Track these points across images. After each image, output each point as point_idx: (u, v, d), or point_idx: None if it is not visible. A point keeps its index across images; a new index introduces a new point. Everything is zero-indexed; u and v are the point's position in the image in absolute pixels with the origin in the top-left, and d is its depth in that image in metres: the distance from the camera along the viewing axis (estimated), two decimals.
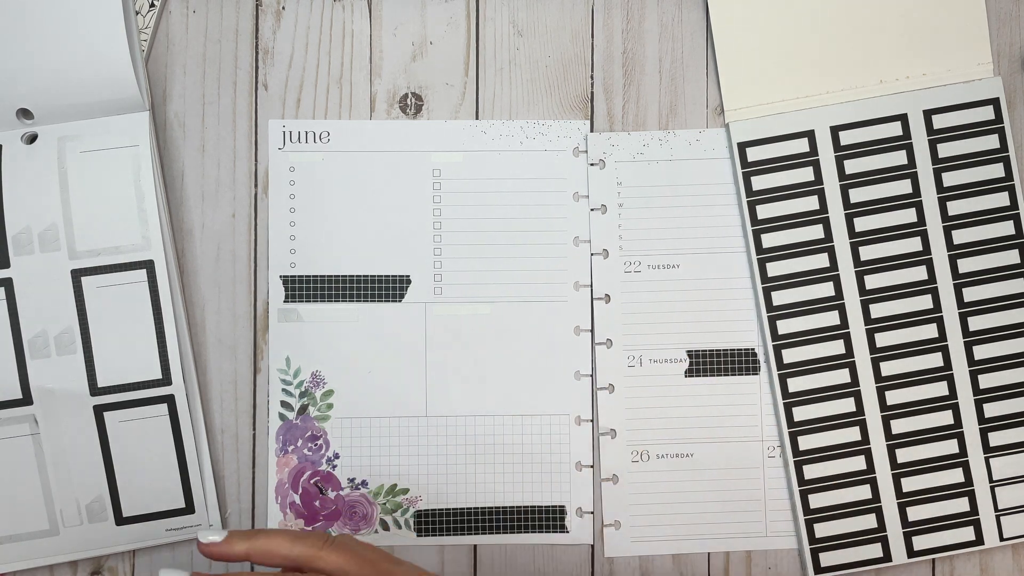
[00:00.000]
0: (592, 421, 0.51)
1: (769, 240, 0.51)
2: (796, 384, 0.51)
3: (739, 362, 0.51)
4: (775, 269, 0.51)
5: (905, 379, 0.51)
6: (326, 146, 0.52)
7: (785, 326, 0.51)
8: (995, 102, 0.51)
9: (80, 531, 0.49)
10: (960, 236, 0.51)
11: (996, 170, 0.51)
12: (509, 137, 0.52)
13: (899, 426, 0.50)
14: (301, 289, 0.51)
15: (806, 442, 0.50)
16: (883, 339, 0.51)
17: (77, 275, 0.49)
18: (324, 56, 0.52)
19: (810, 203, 0.51)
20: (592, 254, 0.52)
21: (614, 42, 0.52)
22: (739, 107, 0.51)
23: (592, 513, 0.51)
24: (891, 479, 0.50)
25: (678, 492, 0.51)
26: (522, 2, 0.52)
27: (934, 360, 0.51)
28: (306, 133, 0.52)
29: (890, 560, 0.50)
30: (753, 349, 0.51)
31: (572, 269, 0.52)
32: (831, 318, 0.51)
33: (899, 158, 0.51)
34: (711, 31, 0.52)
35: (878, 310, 0.51)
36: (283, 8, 0.52)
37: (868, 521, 0.50)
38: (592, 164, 0.52)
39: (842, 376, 0.51)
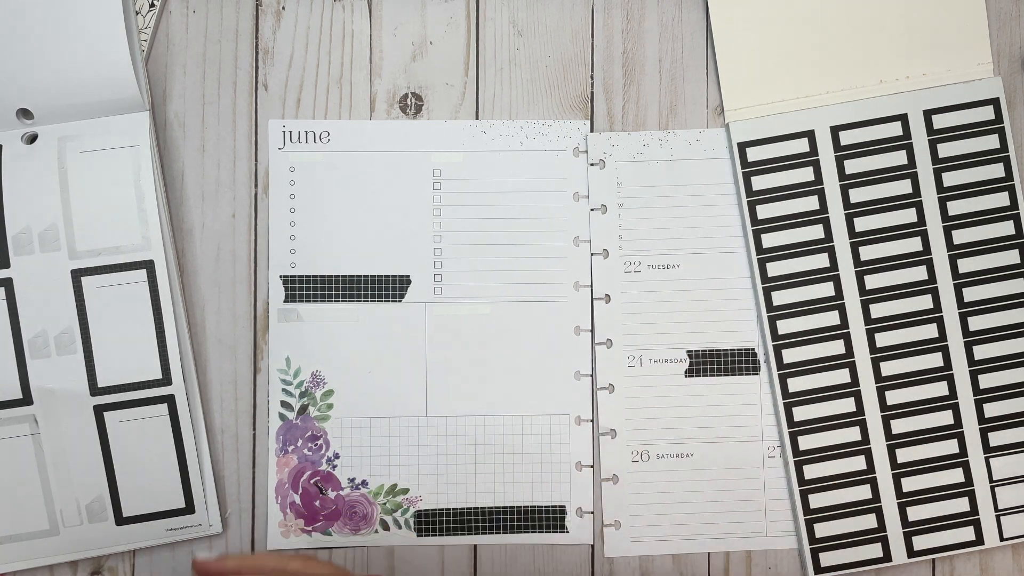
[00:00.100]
0: (592, 421, 0.51)
1: (769, 240, 0.51)
2: (796, 384, 0.51)
3: (739, 362, 0.51)
4: (775, 269, 0.51)
5: (905, 379, 0.51)
6: (326, 146, 0.52)
7: (785, 326, 0.51)
8: (995, 102, 0.51)
9: (80, 531, 0.49)
10: (960, 236, 0.51)
11: (996, 170, 0.51)
12: (509, 137, 0.52)
13: (899, 426, 0.50)
14: (301, 289, 0.51)
15: (806, 442, 0.50)
16: (883, 339, 0.51)
17: (77, 275, 0.49)
18: (324, 56, 0.52)
19: (810, 203, 0.51)
20: (592, 254, 0.52)
21: (614, 42, 0.52)
22: (739, 107, 0.51)
23: (592, 513, 0.51)
24: (891, 479, 0.50)
25: (678, 492, 0.51)
26: (522, 2, 0.52)
27: (934, 360, 0.51)
28: (306, 133, 0.52)
29: (890, 560, 0.50)
30: (753, 349, 0.51)
31: (572, 269, 0.52)
32: (831, 318, 0.51)
33: (899, 158, 0.51)
34: (711, 31, 0.52)
35: (878, 310, 0.51)
36: (283, 8, 0.52)
37: (868, 521, 0.50)
38: (592, 164, 0.52)
39: (842, 376, 0.51)
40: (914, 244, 0.51)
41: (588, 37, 0.52)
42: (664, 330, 0.51)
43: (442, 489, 0.51)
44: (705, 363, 0.51)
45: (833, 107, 0.51)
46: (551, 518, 0.51)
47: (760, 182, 0.51)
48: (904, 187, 0.51)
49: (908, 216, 0.51)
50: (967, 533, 0.50)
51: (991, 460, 0.50)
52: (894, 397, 0.50)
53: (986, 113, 0.51)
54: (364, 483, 0.51)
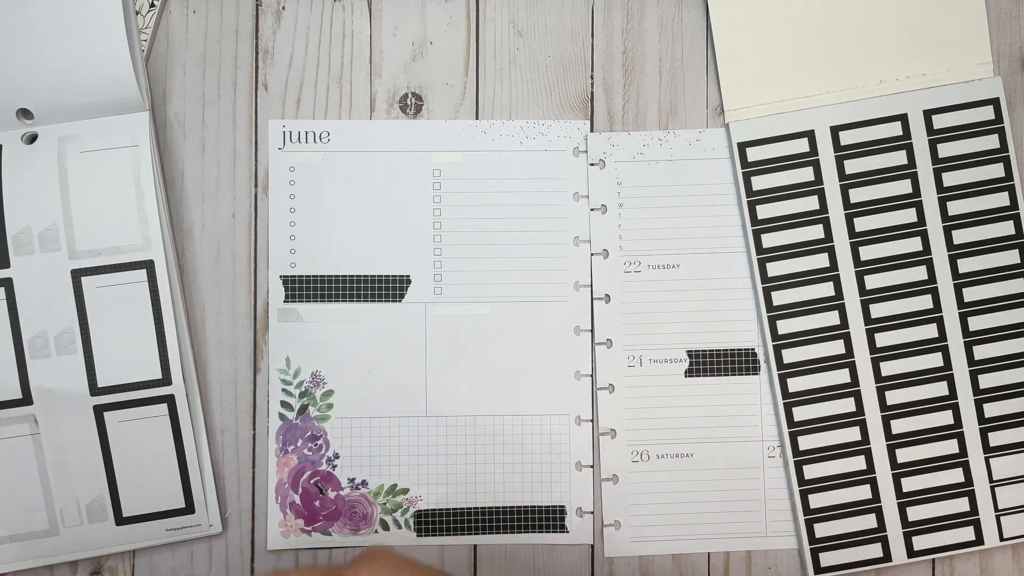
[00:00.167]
0: (592, 421, 0.51)
1: (769, 240, 0.51)
2: (796, 384, 0.51)
3: (739, 362, 0.51)
4: (775, 269, 0.51)
5: (905, 379, 0.51)
6: (326, 146, 0.52)
7: (785, 326, 0.51)
8: (995, 102, 0.51)
9: (80, 531, 0.49)
10: (960, 236, 0.51)
11: (996, 170, 0.51)
12: (509, 137, 0.52)
13: (899, 426, 0.50)
14: (301, 289, 0.51)
15: (806, 442, 0.50)
16: (883, 339, 0.51)
17: (77, 275, 0.49)
18: (324, 56, 0.52)
19: (810, 203, 0.51)
20: (592, 254, 0.52)
21: (614, 42, 0.52)
22: (739, 107, 0.51)
23: (592, 513, 0.51)
24: (891, 479, 0.50)
25: (678, 492, 0.51)
26: (522, 2, 0.52)
27: (934, 360, 0.51)
28: (306, 133, 0.52)
29: (890, 560, 0.50)
30: (753, 349, 0.51)
31: (572, 269, 0.52)
32: (831, 318, 0.51)
33: (899, 158, 0.51)
34: (711, 31, 0.52)
35: (878, 310, 0.51)
36: (283, 8, 0.52)
37: (868, 521, 0.50)
38: (592, 164, 0.52)
39: (842, 376, 0.51)
40: (914, 244, 0.51)
41: (588, 37, 0.52)
42: (664, 330, 0.51)
43: (442, 489, 0.51)
44: (705, 363, 0.51)
45: (833, 107, 0.51)
46: (551, 518, 0.51)
47: (760, 182, 0.51)
48: (904, 187, 0.51)
49: (908, 216, 0.51)
50: (967, 533, 0.50)
51: (991, 460, 0.50)
52: (894, 397, 0.50)
53: (986, 113, 0.51)
54: (364, 483, 0.51)
